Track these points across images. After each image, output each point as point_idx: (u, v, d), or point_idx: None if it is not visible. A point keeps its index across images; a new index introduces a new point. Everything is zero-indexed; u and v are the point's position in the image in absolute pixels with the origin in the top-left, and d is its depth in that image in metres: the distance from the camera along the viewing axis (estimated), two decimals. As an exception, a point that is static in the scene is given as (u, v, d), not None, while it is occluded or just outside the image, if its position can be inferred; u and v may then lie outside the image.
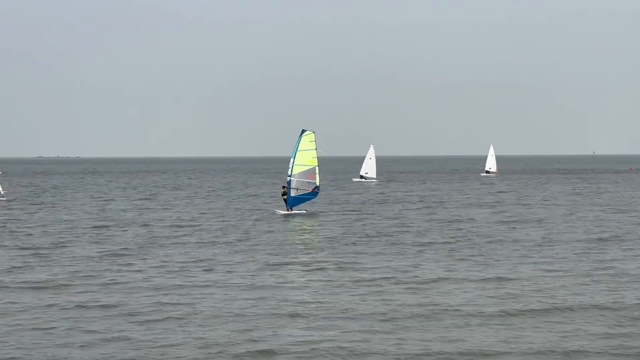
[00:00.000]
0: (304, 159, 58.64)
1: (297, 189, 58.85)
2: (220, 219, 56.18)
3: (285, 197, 59.80)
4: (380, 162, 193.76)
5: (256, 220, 55.34)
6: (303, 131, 59.11)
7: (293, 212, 59.05)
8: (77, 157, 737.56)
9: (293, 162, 58.48)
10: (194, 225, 51.57)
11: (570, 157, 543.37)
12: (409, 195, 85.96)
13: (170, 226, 51.31)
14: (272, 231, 47.67)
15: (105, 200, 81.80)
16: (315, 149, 58.82)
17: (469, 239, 43.24)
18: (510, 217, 56.92)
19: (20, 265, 34.59)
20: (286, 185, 59.48)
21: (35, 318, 23.93)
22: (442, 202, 74.43)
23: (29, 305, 25.69)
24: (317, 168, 58.90)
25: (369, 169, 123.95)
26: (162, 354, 20.08)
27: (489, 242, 42.01)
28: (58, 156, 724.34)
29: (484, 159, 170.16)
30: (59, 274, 31.75)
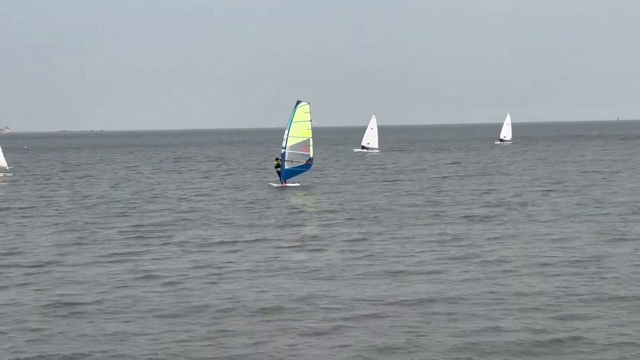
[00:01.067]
0: (299, 131, 56.77)
1: (291, 161, 57.02)
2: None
3: (278, 169, 57.99)
4: (386, 131, 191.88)
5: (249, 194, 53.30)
6: (298, 102, 57.33)
7: (287, 184, 56.94)
8: (101, 130, 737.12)
9: (287, 134, 56.80)
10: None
11: (596, 123, 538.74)
12: (420, 164, 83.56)
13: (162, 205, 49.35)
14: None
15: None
16: (310, 121, 57.06)
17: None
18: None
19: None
20: (280, 158, 57.74)
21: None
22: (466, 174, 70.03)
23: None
24: (311, 140, 57.02)
25: (370, 139, 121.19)
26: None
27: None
28: (82, 130, 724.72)
29: (491, 127, 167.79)
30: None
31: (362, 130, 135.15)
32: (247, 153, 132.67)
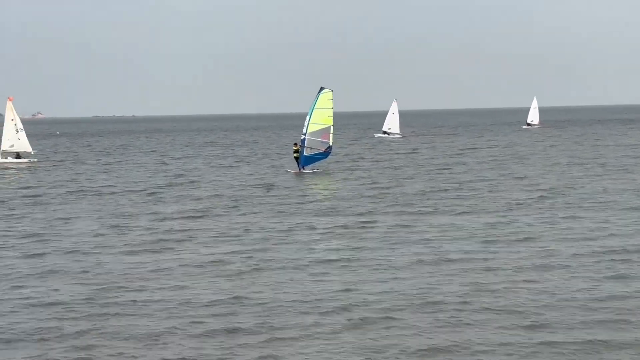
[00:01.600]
0: (320, 118, 55.46)
1: (311, 147, 55.70)
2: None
3: (296, 155, 56.67)
4: (408, 116, 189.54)
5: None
6: (321, 89, 56.00)
7: (304, 171, 55.67)
8: (133, 115, 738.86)
9: (309, 120, 55.43)
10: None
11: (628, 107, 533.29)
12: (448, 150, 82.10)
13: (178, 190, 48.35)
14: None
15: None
16: (332, 108, 55.65)
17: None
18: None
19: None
20: (298, 144, 56.52)
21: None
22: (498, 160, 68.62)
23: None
24: (331, 127, 55.69)
25: (391, 124, 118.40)
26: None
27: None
28: (114, 115, 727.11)
29: (517, 111, 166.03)
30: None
31: (381, 115, 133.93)
32: (273, 139, 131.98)
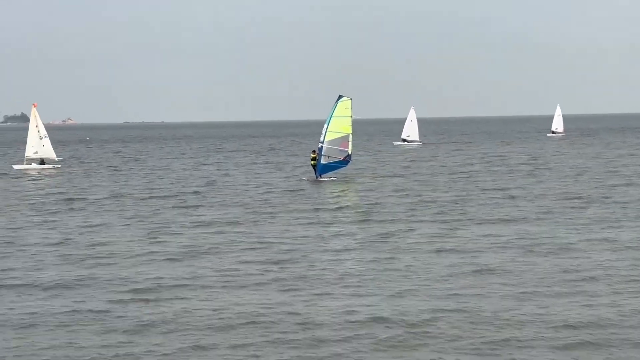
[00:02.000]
0: (339, 126, 55.22)
1: (328, 156, 55.41)
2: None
3: (314, 162, 56.27)
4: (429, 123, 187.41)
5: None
6: (340, 97, 55.77)
7: (322, 179, 55.33)
8: (162, 122, 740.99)
9: (327, 128, 55.14)
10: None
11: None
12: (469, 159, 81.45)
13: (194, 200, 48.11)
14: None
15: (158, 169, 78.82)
16: (351, 116, 55.36)
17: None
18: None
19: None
20: (316, 151, 56.15)
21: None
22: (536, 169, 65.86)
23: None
24: (350, 136, 55.36)
25: (410, 131, 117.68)
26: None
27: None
28: (143, 121, 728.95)
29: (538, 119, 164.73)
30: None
31: (398, 123, 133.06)
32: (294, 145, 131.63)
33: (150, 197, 47.19)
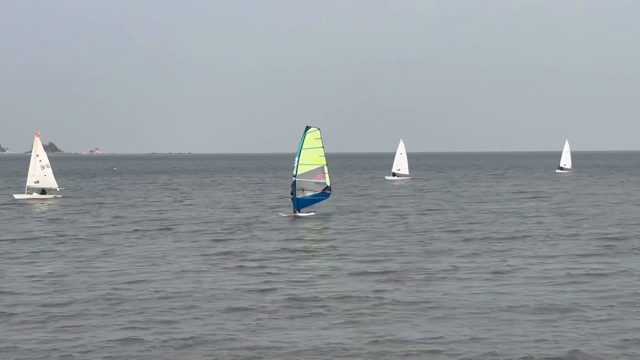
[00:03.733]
0: (310, 158, 53.39)
1: (303, 189, 53.59)
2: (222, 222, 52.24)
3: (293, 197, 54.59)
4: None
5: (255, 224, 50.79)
6: (307, 128, 53.92)
7: (300, 214, 53.78)
8: (189, 153, 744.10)
9: (298, 162, 53.28)
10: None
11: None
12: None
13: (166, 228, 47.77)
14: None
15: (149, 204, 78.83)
16: (322, 147, 53.71)
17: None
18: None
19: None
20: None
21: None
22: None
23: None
24: (325, 167, 53.70)
25: (400, 165, 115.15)
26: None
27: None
28: (170, 152, 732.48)
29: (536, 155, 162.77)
30: None
31: (386, 157, 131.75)
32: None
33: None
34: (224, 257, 35.21)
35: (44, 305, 24.69)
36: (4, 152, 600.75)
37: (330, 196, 55.29)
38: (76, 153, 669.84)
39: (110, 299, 25.67)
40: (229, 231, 45.70)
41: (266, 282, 28.73)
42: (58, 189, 79.05)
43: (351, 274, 30.20)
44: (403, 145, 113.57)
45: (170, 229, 47.13)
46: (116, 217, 56.37)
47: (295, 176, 53.46)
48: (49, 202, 74.33)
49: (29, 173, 78.15)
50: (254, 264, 32.88)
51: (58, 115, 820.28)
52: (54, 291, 27.32)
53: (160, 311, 23.74)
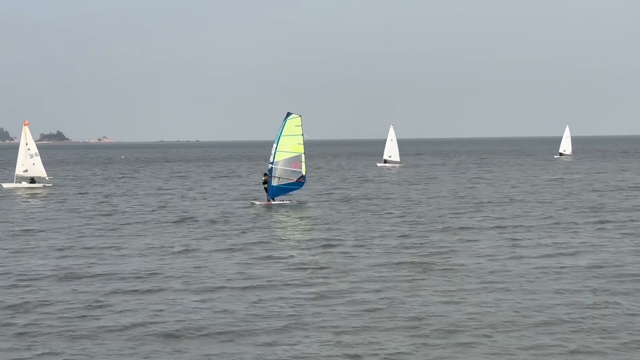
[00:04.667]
0: (289, 145, 51.37)
1: (279, 177, 51.70)
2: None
3: (266, 186, 52.75)
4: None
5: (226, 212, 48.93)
6: (288, 114, 51.89)
7: (274, 202, 51.90)
8: (197, 140, 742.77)
9: (276, 148, 51.30)
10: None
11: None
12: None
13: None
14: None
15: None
16: (302, 134, 51.62)
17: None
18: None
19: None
20: (267, 174, 52.54)
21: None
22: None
23: None
24: (303, 155, 51.64)
25: (391, 151, 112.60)
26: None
27: None
28: (178, 140, 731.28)
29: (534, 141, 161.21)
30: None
31: (374, 144, 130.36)
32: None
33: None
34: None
35: None
36: (13, 141, 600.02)
37: (303, 185, 53.11)
38: (85, 141, 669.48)
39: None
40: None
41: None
42: (47, 178, 77.80)
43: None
44: (393, 132, 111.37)
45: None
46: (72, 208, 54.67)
47: (272, 163, 51.64)
48: (37, 191, 72.81)
49: (17, 162, 76.87)
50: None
51: (65, 104, 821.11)
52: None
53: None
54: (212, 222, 43.20)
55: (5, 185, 76.80)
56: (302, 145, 51.85)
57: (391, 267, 28.08)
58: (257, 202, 53.16)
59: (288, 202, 52.66)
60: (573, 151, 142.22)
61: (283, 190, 52.24)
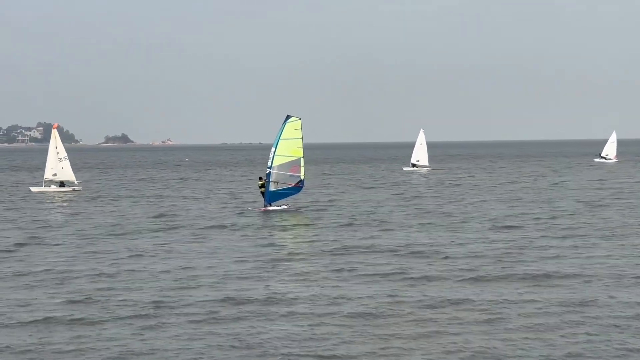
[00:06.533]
0: (288, 149, 49.00)
1: (277, 182, 49.32)
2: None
3: (262, 190, 50.52)
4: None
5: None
6: (288, 117, 49.57)
7: (271, 208, 49.65)
8: (259, 143, 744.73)
9: (274, 152, 48.97)
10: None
11: None
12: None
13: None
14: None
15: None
16: (301, 138, 49.21)
17: None
18: None
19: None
20: (264, 178, 50.25)
21: None
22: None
23: None
24: (302, 160, 49.28)
25: (420, 156, 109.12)
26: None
27: None
28: (241, 142, 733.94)
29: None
30: None
31: (404, 147, 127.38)
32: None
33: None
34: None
35: None
36: (79, 143, 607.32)
37: (301, 190, 50.59)
38: (149, 144, 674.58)
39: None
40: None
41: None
42: (76, 182, 76.74)
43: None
44: (423, 136, 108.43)
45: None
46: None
47: (270, 167, 49.29)
48: (66, 195, 71.73)
49: (46, 166, 76.04)
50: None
51: (130, 108, 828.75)
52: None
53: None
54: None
55: (34, 189, 75.92)
56: (302, 149, 49.52)
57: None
58: (253, 209, 51.18)
59: (285, 206, 50.33)
60: (616, 155, 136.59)
61: (281, 195, 49.91)
